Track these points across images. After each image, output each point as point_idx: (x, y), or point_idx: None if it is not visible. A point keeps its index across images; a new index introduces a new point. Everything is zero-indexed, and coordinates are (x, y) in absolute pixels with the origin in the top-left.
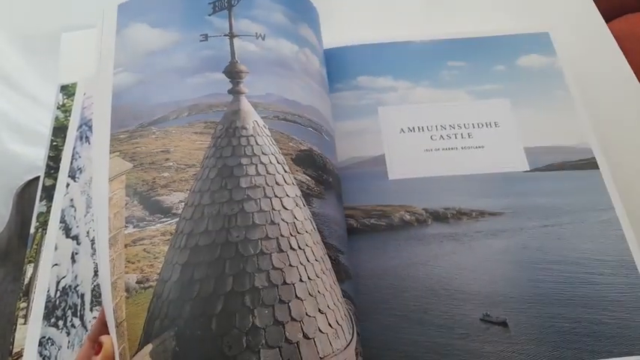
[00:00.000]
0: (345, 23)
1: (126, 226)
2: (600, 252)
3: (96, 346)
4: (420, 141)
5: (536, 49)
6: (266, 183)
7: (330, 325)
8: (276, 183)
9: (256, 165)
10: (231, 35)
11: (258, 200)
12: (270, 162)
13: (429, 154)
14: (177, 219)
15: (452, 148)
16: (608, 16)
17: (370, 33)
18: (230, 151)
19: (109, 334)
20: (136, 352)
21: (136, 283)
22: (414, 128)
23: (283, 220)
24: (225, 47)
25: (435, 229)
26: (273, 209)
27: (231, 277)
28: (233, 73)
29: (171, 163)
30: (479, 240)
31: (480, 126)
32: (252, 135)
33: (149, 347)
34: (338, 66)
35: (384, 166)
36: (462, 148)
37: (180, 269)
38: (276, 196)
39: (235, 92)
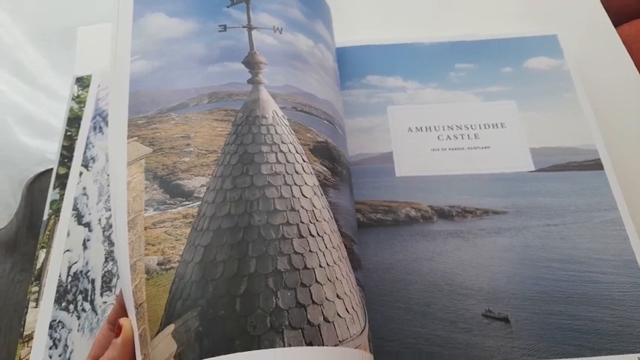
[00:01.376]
0: (355, 23)
1: (146, 209)
2: (603, 251)
3: (115, 328)
4: (428, 140)
5: (544, 52)
6: (286, 171)
7: (347, 310)
8: (296, 171)
9: (276, 153)
10: (250, 27)
11: (279, 187)
12: (290, 151)
13: (436, 153)
14: (199, 202)
15: (458, 148)
16: (617, 20)
17: (380, 33)
18: (251, 138)
19: (127, 316)
20: (157, 333)
21: (157, 264)
22: (421, 128)
23: (303, 207)
24: (244, 38)
25: (440, 226)
26: (293, 196)
27: (254, 259)
28: (252, 64)
29: (192, 149)
30: (483, 237)
31: (487, 127)
32: (271, 124)
33: (171, 327)
34: (348, 64)
35: (391, 163)
36: (469, 148)
37: (203, 251)
38: (295, 184)
39: (255, 82)
